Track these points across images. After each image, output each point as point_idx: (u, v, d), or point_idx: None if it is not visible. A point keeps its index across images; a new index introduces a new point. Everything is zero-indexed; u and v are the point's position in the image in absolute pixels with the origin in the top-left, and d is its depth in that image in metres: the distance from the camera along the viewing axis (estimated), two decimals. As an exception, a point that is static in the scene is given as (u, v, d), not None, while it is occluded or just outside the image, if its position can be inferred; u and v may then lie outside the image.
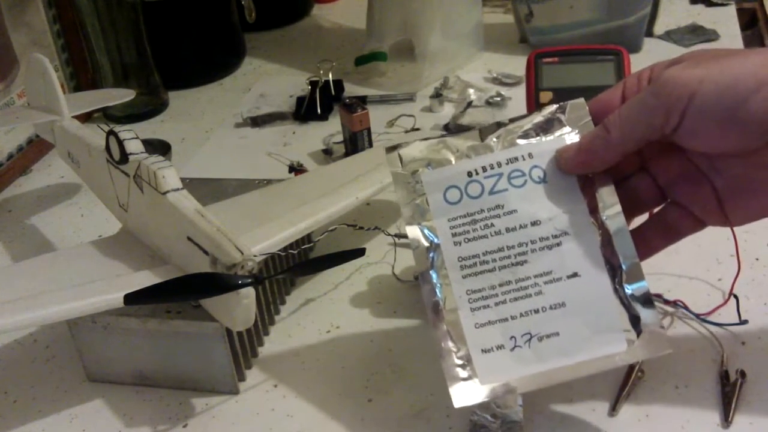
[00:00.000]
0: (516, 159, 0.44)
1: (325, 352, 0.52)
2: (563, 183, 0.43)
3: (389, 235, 0.60)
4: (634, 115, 0.41)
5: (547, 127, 0.44)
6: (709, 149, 0.41)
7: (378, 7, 0.89)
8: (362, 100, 0.80)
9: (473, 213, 0.43)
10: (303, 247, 0.55)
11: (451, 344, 0.42)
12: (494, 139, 0.44)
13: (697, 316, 0.51)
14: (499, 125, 0.45)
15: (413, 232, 0.43)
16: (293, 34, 1.07)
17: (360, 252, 0.47)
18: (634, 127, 0.41)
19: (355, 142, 0.72)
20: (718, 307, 0.51)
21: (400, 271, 0.58)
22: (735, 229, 0.51)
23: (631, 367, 0.47)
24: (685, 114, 0.39)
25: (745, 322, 0.50)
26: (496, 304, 0.42)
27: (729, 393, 0.45)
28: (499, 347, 0.41)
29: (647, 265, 0.55)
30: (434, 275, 0.43)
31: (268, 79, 0.95)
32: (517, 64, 0.85)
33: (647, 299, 0.42)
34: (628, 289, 0.42)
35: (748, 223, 0.44)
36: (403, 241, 0.60)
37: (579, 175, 0.44)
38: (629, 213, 0.44)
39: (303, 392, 0.49)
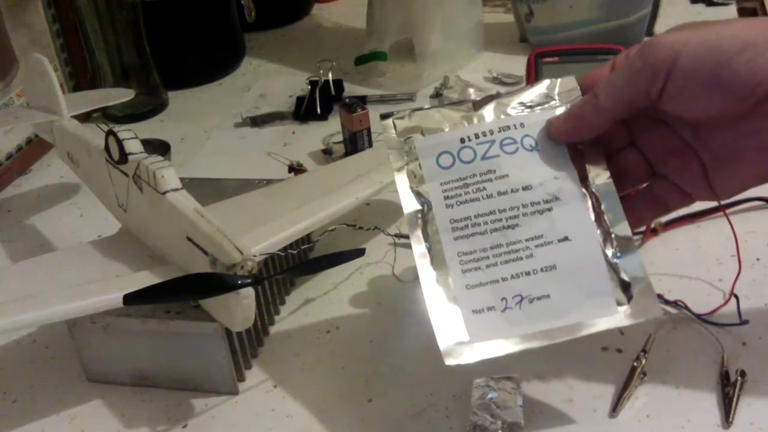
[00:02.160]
0: (508, 128, 0.45)
1: (324, 353, 0.52)
2: (554, 152, 0.44)
3: (389, 235, 0.60)
4: (621, 79, 0.42)
5: (538, 101, 0.46)
6: (694, 114, 0.42)
7: (378, 6, 0.89)
8: (362, 100, 0.80)
9: (465, 177, 0.44)
10: (303, 247, 0.55)
11: (441, 305, 0.42)
12: (487, 110, 0.45)
13: (698, 316, 0.50)
14: (491, 98, 0.46)
15: (406, 195, 0.44)
16: (293, 34, 1.07)
17: (360, 252, 0.47)
18: (621, 91, 0.42)
19: (355, 142, 0.72)
20: (719, 308, 0.51)
21: (400, 271, 0.58)
22: (736, 229, 0.52)
23: (633, 368, 0.47)
24: (670, 75, 0.40)
25: (746, 322, 0.50)
26: (488, 266, 0.43)
27: (729, 393, 0.45)
28: (490, 308, 0.42)
29: (647, 265, 0.56)
30: (425, 237, 0.43)
31: (268, 78, 0.94)
32: (517, 64, 0.85)
33: (638, 265, 0.42)
34: (619, 255, 0.43)
35: (733, 195, 0.45)
36: (403, 241, 0.60)
37: (569, 147, 0.44)
38: (619, 187, 0.44)
39: (303, 393, 0.49)
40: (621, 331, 0.50)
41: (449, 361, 0.41)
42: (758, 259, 0.55)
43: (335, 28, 1.08)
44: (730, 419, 0.44)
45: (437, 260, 0.43)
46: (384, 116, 0.46)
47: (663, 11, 0.91)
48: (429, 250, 0.43)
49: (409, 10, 0.86)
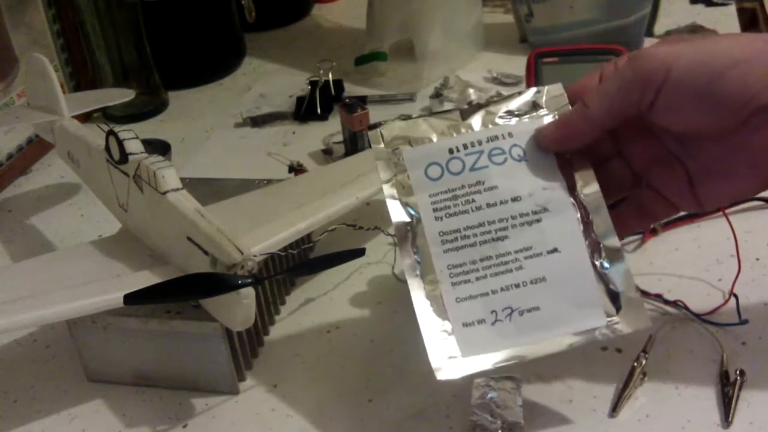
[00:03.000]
0: (496, 137, 0.44)
1: (325, 352, 0.52)
2: (542, 162, 0.44)
3: (389, 235, 0.59)
4: (613, 89, 0.42)
5: (526, 109, 0.45)
6: (683, 127, 0.42)
7: (378, 7, 0.89)
8: (362, 100, 0.80)
9: (454, 189, 0.44)
10: (303, 247, 0.55)
11: (432, 318, 0.42)
12: (475, 120, 0.45)
13: (698, 316, 0.50)
14: (479, 106, 0.46)
15: (395, 207, 0.44)
16: (293, 34, 1.07)
17: (360, 252, 0.47)
18: (612, 101, 0.42)
19: (355, 142, 0.72)
20: (719, 307, 0.51)
21: (400, 271, 0.58)
22: (735, 229, 0.52)
23: (633, 368, 0.47)
24: (661, 89, 0.40)
25: (746, 321, 0.50)
26: (477, 278, 0.43)
27: (729, 393, 0.45)
28: (480, 321, 0.42)
29: (647, 265, 0.56)
30: (415, 250, 0.43)
31: (268, 78, 0.94)
32: (517, 64, 0.85)
33: (626, 275, 0.42)
34: (608, 266, 0.43)
35: (718, 207, 0.45)
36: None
37: (557, 156, 0.44)
38: (605, 196, 0.44)
39: (303, 392, 0.49)
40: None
41: (441, 377, 0.41)
42: (758, 259, 0.55)
43: (335, 29, 1.08)
44: (730, 419, 0.44)
45: (427, 273, 0.43)
46: (372, 126, 0.46)
47: (663, 11, 0.91)
48: (419, 263, 0.43)
49: (409, 10, 0.86)
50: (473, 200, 0.43)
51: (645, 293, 0.52)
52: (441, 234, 0.43)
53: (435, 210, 0.44)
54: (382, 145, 0.45)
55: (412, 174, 0.44)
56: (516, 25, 0.94)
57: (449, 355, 0.41)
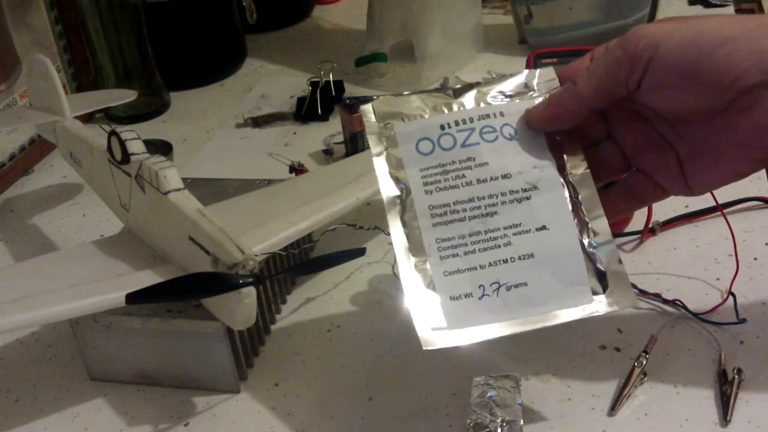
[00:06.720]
0: (488, 116, 0.45)
1: (325, 351, 0.53)
2: (533, 142, 0.45)
3: (389, 234, 0.60)
4: (601, 67, 0.42)
5: (518, 90, 0.46)
6: (672, 106, 0.42)
7: (378, 8, 0.89)
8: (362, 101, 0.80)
9: (445, 164, 0.44)
10: (303, 246, 0.55)
11: (419, 291, 0.42)
12: (467, 98, 0.46)
13: (696, 315, 0.51)
14: (471, 86, 0.46)
15: (384, 180, 0.44)
16: (294, 35, 1.07)
17: (360, 252, 0.47)
18: (600, 79, 0.42)
19: (356, 142, 0.72)
20: (717, 307, 0.51)
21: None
22: (734, 228, 0.52)
23: (633, 368, 0.47)
24: (649, 66, 0.40)
25: (744, 321, 0.50)
26: (466, 253, 0.43)
27: (727, 391, 0.45)
28: (468, 295, 0.42)
29: (645, 264, 0.56)
30: (404, 223, 0.43)
31: (269, 79, 0.95)
32: (516, 65, 0.85)
33: (613, 255, 0.43)
34: (596, 245, 0.43)
35: (708, 191, 0.45)
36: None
37: (548, 137, 0.45)
38: (595, 179, 0.44)
39: (304, 391, 0.49)
40: (619, 329, 0.51)
41: (427, 347, 0.41)
42: (755, 259, 0.56)
43: (336, 30, 1.08)
44: (728, 417, 0.44)
45: (415, 246, 0.43)
46: (365, 101, 0.46)
47: (661, 13, 0.92)
48: (407, 236, 0.43)
49: (409, 11, 0.87)
50: (464, 176, 0.44)
51: (643, 292, 0.52)
52: (430, 208, 0.43)
53: (425, 184, 0.44)
54: (374, 120, 0.46)
55: (403, 148, 0.45)
56: (515, 27, 0.94)
57: (435, 326, 0.42)
